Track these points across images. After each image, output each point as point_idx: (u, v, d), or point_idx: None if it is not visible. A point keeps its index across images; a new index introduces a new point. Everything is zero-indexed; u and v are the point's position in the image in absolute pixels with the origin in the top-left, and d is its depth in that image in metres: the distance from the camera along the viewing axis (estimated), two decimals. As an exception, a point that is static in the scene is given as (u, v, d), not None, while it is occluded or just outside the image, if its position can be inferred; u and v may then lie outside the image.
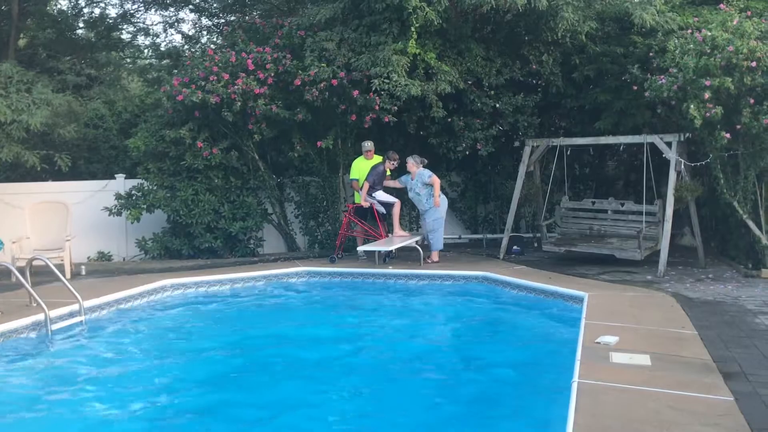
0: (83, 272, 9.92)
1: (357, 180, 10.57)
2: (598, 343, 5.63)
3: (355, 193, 10.75)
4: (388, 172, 10.61)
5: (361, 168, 10.57)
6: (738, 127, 8.52)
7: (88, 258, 11.42)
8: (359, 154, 10.75)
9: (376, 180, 10.34)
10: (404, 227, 11.28)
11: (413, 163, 10.16)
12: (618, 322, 6.31)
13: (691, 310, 6.96)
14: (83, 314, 7.28)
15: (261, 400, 5.39)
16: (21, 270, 7.45)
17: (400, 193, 10.93)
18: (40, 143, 11.51)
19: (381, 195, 10.46)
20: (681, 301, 7.40)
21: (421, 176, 10.09)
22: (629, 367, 5.05)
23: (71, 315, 7.24)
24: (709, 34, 8.57)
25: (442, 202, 10.21)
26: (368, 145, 10.60)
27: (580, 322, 6.40)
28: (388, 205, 10.48)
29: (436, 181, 10.08)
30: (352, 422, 4.94)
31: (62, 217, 10.15)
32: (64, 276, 8.00)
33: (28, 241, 9.87)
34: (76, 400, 5.34)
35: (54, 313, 6.99)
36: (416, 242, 10.32)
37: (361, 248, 10.25)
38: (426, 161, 10.34)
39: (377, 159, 10.56)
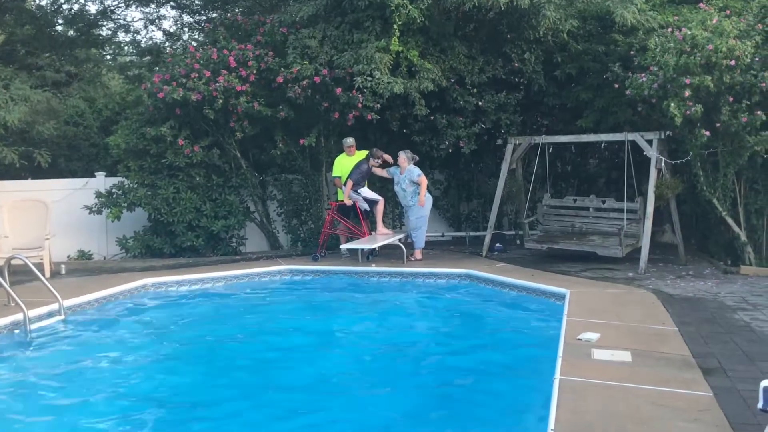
0: (63, 271, 9.81)
1: (339, 177, 10.54)
2: (580, 339, 5.67)
3: (338, 191, 10.72)
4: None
5: (343, 165, 10.54)
6: (717, 125, 8.60)
7: (68, 257, 11.29)
8: (342, 151, 10.72)
9: (359, 178, 10.32)
10: (387, 225, 11.27)
11: (405, 159, 10.14)
12: (599, 319, 6.35)
13: (672, 306, 7.03)
14: (63, 313, 7.21)
15: (239, 399, 5.36)
16: (-1, 269, 7.35)
17: (384, 190, 10.92)
18: (19, 140, 11.37)
19: (366, 192, 10.44)
20: (661, 297, 7.47)
21: (410, 173, 10.08)
22: (611, 364, 5.08)
23: (50, 315, 7.17)
24: (689, 32, 8.64)
25: (427, 200, 10.23)
26: (349, 141, 10.57)
27: (561, 319, 6.44)
28: (371, 203, 10.46)
29: (424, 181, 10.08)
30: (326, 420, 4.92)
31: (41, 215, 10.02)
32: (44, 275, 7.90)
33: (7, 239, 9.74)
34: (54, 399, 5.29)
35: (33, 312, 6.92)
36: (399, 240, 10.33)
37: (344, 246, 10.23)
38: (417, 158, 10.34)
39: (360, 155, 10.53)
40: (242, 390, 5.57)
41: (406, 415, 5.00)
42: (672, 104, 8.47)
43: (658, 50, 8.92)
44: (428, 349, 6.86)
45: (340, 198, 10.64)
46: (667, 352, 5.38)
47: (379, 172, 10.52)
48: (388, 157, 10.45)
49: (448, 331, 7.50)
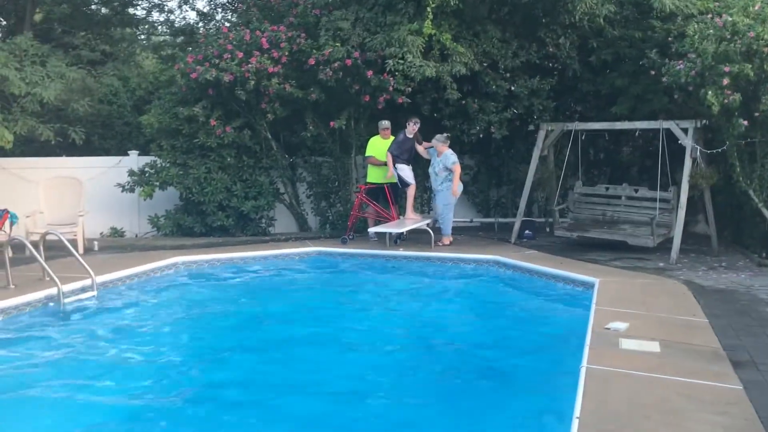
0: (96, 248, 9.99)
1: (372, 156, 10.53)
2: (608, 329, 5.61)
3: (368, 173, 10.71)
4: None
5: (377, 146, 10.51)
6: (756, 114, 8.41)
7: (101, 234, 11.49)
8: (372, 134, 10.70)
9: (395, 148, 10.24)
10: (416, 208, 11.23)
11: (441, 144, 10.06)
12: (628, 309, 6.28)
13: (703, 298, 6.92)
14: (95, 289, 7.34)
15: (268, 377, 5.42)
16: (35, 244, 7.51)
17: (415, 174, 10.85)
18: (54, 118, 11.57)
19: (403, 169, 10.36)
20: (693, 288, 7.36)
21: (445, 158, 10.00)
22: (638, 354, 5.03)
23: (84, 290, 7.31)
24: (730, 19, 8.44)
25: (458, 187, 10.15)
26: (385, 123, 10.54)
27: (590, 307, 6.38)
28: (403, 183, 10.42)
29: (458, 169, 10.01)
30: (351, 400, 4.95)
31: (76, 192, 10.21)
32: (77, 251, 8.06)
33: (42, 215, 9.94)
34: (87, 373, 5.40)
35: (67, 287, 7.06)
36: (427, 225, 10.31)
37: (372, 230, 10.25)
38: (450, 136, 10.30)
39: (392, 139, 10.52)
40: (271, 367, 5.63)
41: (429, 399, 5.02)
42: (709, 92, 8.30)
43: (696, 37, 8.73)
44: (453, 334, 6.85)
45: (369, 180, 10.64)
46: (696, 344, 5.31)
47: (421, 149, 10.45)
48: (423, 152, 10.39)
49: (474, 318, 7.50)
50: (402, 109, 10.89)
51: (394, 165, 10.24)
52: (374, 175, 10.65)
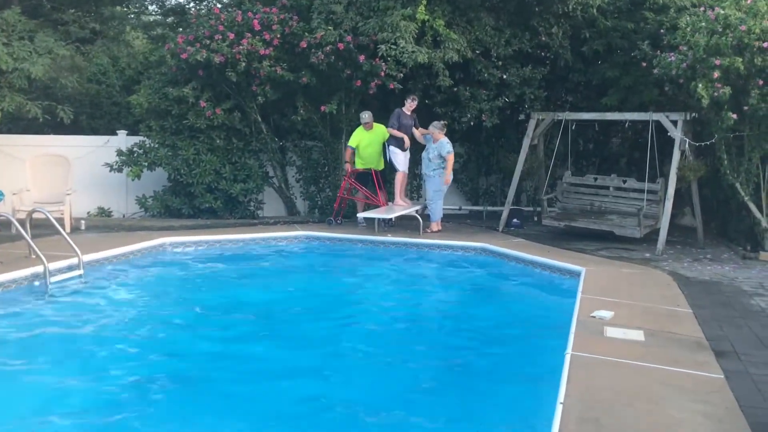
0: (83, 227, 9.94)
1: (353, 148, 10.51)
2: (594, 317, 5.67)
3: (356, 160, 10.68)
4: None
5: (360, 138, 10.48)
6: (745, 108, 8.46)
7: (88, 213, 11.41)
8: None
9: (394, 121, 10.20)
10: (405, 194, 11.21)
11: (438, 131, 10.02)
12: (614, 298, 6.34)
13: (687, 288, 6.99)
14: (82, 268, 7.31)
15: (252, 359, 5.43)
16: (21, 222, 7.47)
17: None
18: (42, 96, 11.46)
19: (397, 155, 10.33)
20: (677, 279, 7.44)
21: (441, 146, 9.94)
22: (623, 342, 5.09)
23: (70, 268, 7.28)
24: (722, 12, 8.46)
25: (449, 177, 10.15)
26: (366, 116, 10.38)
27: (576, 295, 6.44)
28: (393, 168, 10.42)
29: (451, 159, 9.96)
30: (336, 386, 4.97)
31: (63, 170, 10.14)
32: (64, 230, 8.01)
33: (29, 193, 9.87)
34: (71, 351, 5.40)
35: (53, 265, 7.03)
36: (416, 211, 10.32)
37: (360, 215, 10.26)
38: (446, 123, 10.31)
39: (378, 127, 10.48)
40: (253, 351, 5.65)
41: (414, 384, 5.05)
42: (700, 85, 8.33)
43: (689, 29, 8.76)
44: (439, 320, 6.90)
45: (358, 166, 10.63)
46: (680, 333, 5.37)
47: (417, 134, 10.42)
48: (419, 136, 10.38)
49: (460, 304, 7.54)
50: (393, 95, 10.86)
51: (390, 144, 10.29)
52: (359, 162, 10.64)
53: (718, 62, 8.23)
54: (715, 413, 3.87)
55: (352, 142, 10.54)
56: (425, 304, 7.51)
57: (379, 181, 10.58)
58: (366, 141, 10.44)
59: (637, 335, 5.25)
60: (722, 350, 5.02)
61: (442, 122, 10.20)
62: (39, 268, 6.92)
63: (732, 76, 8.34)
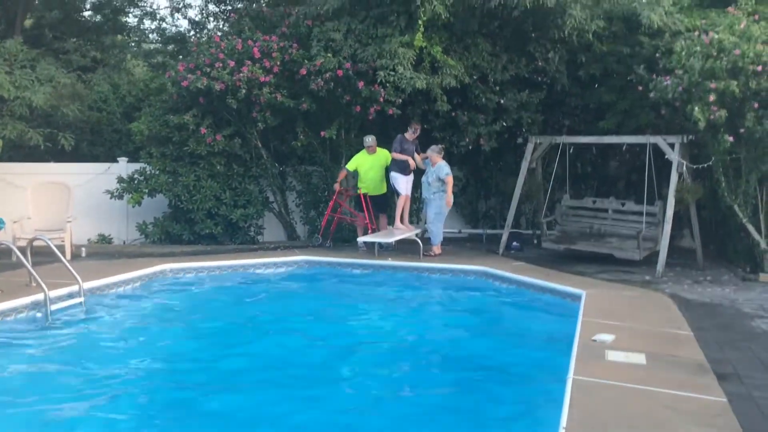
0: (83, 254, 9.95)
1: (348, 170, 10.64)
2: (595, 340, 5.66)
3: (359, 182, 10.75)
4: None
5: (362, 161, 10.56)
6: (741, 130, 8.52)
7: (89, 240, 11.44)
8: (362, 145, 10.75)
9: (399, 148, 10.29)
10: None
11: (435, 155, 10.09)
12: (615, 321, 6.34)
13: (688, 311, 6.99)
14: (83, 295, 7.30)
15: (253, 386, 5.41)
16: (22, 250, 7.47)
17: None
18: (43, 123, 11.54)
19: (398, 180, 10.38)
20: (678, 302, 7.43)
21: (439, 169, 10.01)
22: (625, 366, 5.08)
23: (71, 296, 7.27)
24: (716, 36, 8.56)
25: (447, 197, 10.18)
26: (369, 140, 10.53)
27: (577, 319, 6.43)
28: (395, 191, 10.51)
29: (450, 181, 10.02)
30: (339, 412, 4.95)
31: (64, 198, 10.17)
32: (65, 257, 8.02)
33: (30, 221, 9.89)
34: (72, 379, 5.37)
35: (54, 293, 7.01)
36: (416, 235, 10.34)
37: (361, 239, 10.28)
38: (444, 147, 10.41)
39: (381, 152, 10.57)
40: (255, 377, 5.63)
41: (416, 410, 5.03)
42: (696, 108, 8.41)
43: (684, 53, 8.85)
44: (440, 345, 6.87)
45: (363, 191, 10.72)
46: (681, 356, 5.37)
47: (417, 159, 10.44)
48: (419, 161, 10.42)
49: (461, 328, 7.50)
50: (392, 120, 10.95)
51: (392, 170, 10.41)
52: (368, 188, 10.71)
53: (713, 86, 8.31)
54: (719, 437, 3.87)
55: (351, 165, 10.63)
56: (425, 328, 7.48)
57: (368, 204, 10.65)
58: (368, 165, 10.51)
59: (639, 358, 5.25)
60: (724, 373, 5.02)
61: (439, 146, 10.28)
62: (40, 296, 6.91)
63: (727, 99, 8.42)
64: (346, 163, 11.43)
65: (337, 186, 10.74)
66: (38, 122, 11.34)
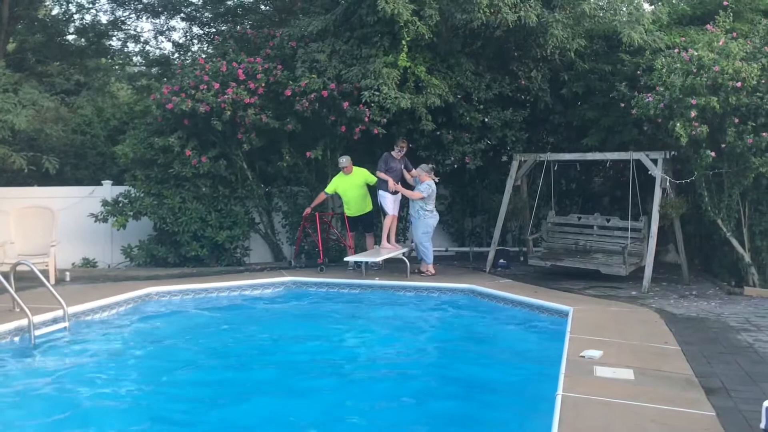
0: (68, 278, 9.83)
1: (327, 194, 10.68)
2: (583, 356, 5.67)
3: (344, 206, 10.78)
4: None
5: (338, 183, 10.57)
6: (723, 145, 8.63)
7: (73, 264, 11.33)
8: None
9: (384, 167, 10.26)
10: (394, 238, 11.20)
11: (425, 174, 10.12)
12: (602, 337, 6.35)
13: (675, 325, 7.02)
14: (67, 320, 7.20)
15: (241, 411, 5.35)
16: (5, 275, 7.37)
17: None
18: (27, 147, 11.47)
19: (385, 198, 10.32)
20: (665, 316, 7.46)
21: (419, 185, 10.11)
22: (613, 381, 5.08)
23: (55, 321, 7.18)
24: (696, 53, 8.70)
25: (432, 218, 10.17)
26: (344, 161, 10.47)
27: (564, 335, 6.44)
28: (383, 212, 10.49)
29: (417, 195, 10.01)
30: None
31: (48, 222, 10.08)
32: (49, 281, 7.93)
33: (13, 245, 9.78)
34: (56, 405, 5.30)
35: (37, 318, 6.92)
36: (403, 254, 10.34)
37: (348, 258, 10.26)
38: (434, 168, 10.46)
39: (358, 171, 10.56)
40: (245, 400, 5.58)
41: (402, 428, 5.00)
42: (678, 124, 8.51)
43: (664, 70, 8.98)
44: (429, 363, 6.85)
45: (348, 214, 10.81)
46: (669, 371, 5.38)
47: (407, 176, 10.44)
48: (409, 179, 10.43)
49: (449, 346, 7.49)
50: (378, 140, 10.99)
51: (380, 188, 10.35)
52: (351, 209, 10.74)
53: (694, 102, 8.43)
54: (708, 451, 3.87)
55: (329, 188, 10.63)
56: (412, 347, 7.44)
57: (348, 225, 10.78)
58: (346, 185, 10.52)
59: (627, 374, 5.26)
60: (712, 387, 5.03)
61: (430, 166, 10.34)
62: (23, 322, 6.81)
63: (708, 115, 8.53)
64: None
65: (307, 210, 10.74)
66: (21, 146, 11.27)
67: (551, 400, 4.66)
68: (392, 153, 10.38)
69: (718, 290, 9.19)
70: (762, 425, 3.79)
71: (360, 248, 11.02)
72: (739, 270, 9.25)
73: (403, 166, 10.46)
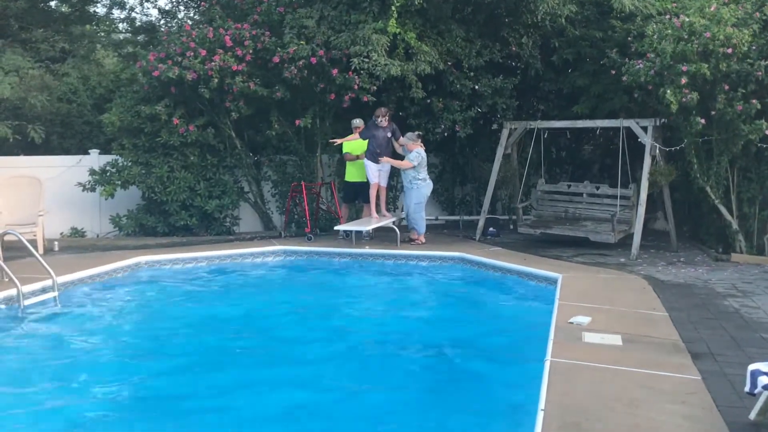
0: (56, 248, 9.80)
1: (348, 153, 10.61)
2: (571, 323, 5.72)
3: (347, 171, 10.78)
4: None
5: (353, 143, 10.54)
6: (713, 113, 8.62)
7: (61, 234, 11.27)
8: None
9: (367, 134, 10.24)
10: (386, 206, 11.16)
11: (411, 142, 10.01)
12: (591, 303, 6.41)
13: (663, 292, 7.08)
14: (56, 290, 7.17)
15: (228, 379, 5.38)
16: (-8, 245, 7.34)
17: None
18: (11, 116, 11.32)
19: (369, 167, 10.28)
20: (653, 283, 7.53)
21: (408, 155, 10.02)
22: (601, 347, 5.14)
23: (44, 291, 7.16)
24: (687, 20, 8.64)
25: (425, 187, 10.12)
26: (357, 122, 10.51)
27: (554, 302, 6.49)
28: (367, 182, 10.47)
29: (406, 165, 9.93)
30: (317, 401, 4.95)
31: (35, 192, 10.00)
32: (37, 251, 7.89)
33: (0, 216, 9.71)
34: (45, 375, 5.31)
35: (26, 288, 6.90)
36: (393, 223, 10.34)
37: (339, 227, 10.25)
38: (421, 134, 10.38)
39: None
40: (233, 369, 5.60)
41: (394, 396, 5.05)
42: (668, 91, 8.48)
43: (655, 37, 8.93)
44: (419, 331, 6.89)
45: (348, 179, 10.81)
46: (656, 337, 5.44)
47: (396, 146, 10.38)
48: (398, 148, 10.37)
49: (439, 314, 7.56)
50: (367, 108, 10.90)
51: (366, 157, 10.30)
52: (352, 173, 10.66)
53: (684, 68, 8.39)
54: (694, 414, 3.93)
55: (347, 148, 10.58)
56: (402, 314, 7.48)
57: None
58: (354, 146, 10.51)
59: (615, 340, 5.31)
60: (698, 352, 5.09)
61: (416, 133, 10.25)
62: (12, 291, 6.79)
63: (699, 82, 8.51)
64: (321, 152, 11.46)
65: (294, 183, 10.88)
66: (6, 115, 11.13)
67: (540, 365, 4.71)
68: (377, 121, 10.28)
69: (706, 257, 9.27)
70: (746, 388, 3.84)
71: (351, 218, 11.00)
72: (726, 237, 9.33)
73: (390, 134, 10.36)
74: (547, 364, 4.65)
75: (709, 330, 5.73)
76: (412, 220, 10.21)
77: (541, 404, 3.97)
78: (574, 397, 4.13)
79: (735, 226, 9.12)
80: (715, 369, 4.72)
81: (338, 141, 10.48)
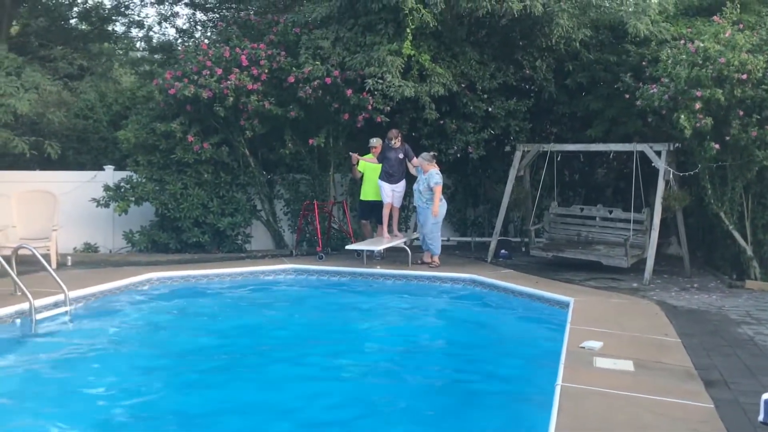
0: (69, 263, 9.86)
1: (362, 173, 10.70)
2: (583, 347, 5.66)
3: (362, 190, 10.82)
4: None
5: (366, 165, 10.61)
6: (727, 138, 8.58)
7: (75, 249, 11.34)
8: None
9: (380, 157, 10.34)
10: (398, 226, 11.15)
11: (427, 162, 9.93)
12: (603, 328, 6.35)
13: (675, 318, 7.01)
14: (68, 304, 7.22)
15: (237, 397, 5.37)
16: (6, 258, 7.37)
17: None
18: (29, 131, 11.45)
19: (383, 187, 10.36)
20: (665, 308, 7.46)
21: (430, 177, 9.82)
22: (612, 372, 5.08)
23: (56, 305, 7.20)
24: (702, 45, 8.64)
25: (441, 206, 10.07)
26: (374, 141, 10.55)
27: (565, 326, 6.44)
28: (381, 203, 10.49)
29: (438, 190, 9.80)
30: (326, 424, 4.91)
31: (50, 206, 10.09)
32: (50, 266, 7.95)
33: (15, 229, 9.80)
34: (57, 389, 5.32)
35: (39, 302, 6.94)
36: (405, 243, 10.32)
37: (350, 246, 10.24)
38: (436, 155, 10.36)
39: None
40: (244, 386, 5.58)
41: (405, 418, 5.00)
42: (682, 116, 8.46)
43: (670, 62, 8.93)
44: (429, 353, 6.86)
45: (363, 198, 10.84)
46: (669, 363, 5.38)
47: (410, 166, 10.43)
48: (412, 169, 10.39)
49: (450, 336, 7.51)
50: (381, 128, 10.95)
51: (380, 178, 10.42)
52: (367, 192, 10.68)
53: (699, 94, 8.38)
54: (706, 443, 3.87)
55: (360, 166, 10.63)
56: (412, 336, 7.46)
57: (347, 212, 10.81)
58: (371, 166, 10.57)
59: (627, 365, 5.25)
60: (711, 379, 5.03)
61: (431, 153, 10.23)
62: (25, 305, 6.83)
63: (713, 107, 8.48)
64: (334, 172, 11.51)
65: (308, 202, 10.91)
66: (23, 130, 11.25)
67: (551, 390, 4.66)
68: (390, 143, 10.34)
69: (720, 283, 9.18)
70: (760, 418, 3.78)
71: (361, 237, 11.01)
72: (740, 263, 9.24)
73: (402, 155, 10.39)
74: (558, 389, 4.61)
75: (722, 357, 5.66)
76: (428, 240, 10.10)
77: (551, 429, 3.92)
78: (585, 422, 4.09)
79: (749, 252, 9.04)
80: (728, 397, 4.65)
81: (358, 156, 10.50)
